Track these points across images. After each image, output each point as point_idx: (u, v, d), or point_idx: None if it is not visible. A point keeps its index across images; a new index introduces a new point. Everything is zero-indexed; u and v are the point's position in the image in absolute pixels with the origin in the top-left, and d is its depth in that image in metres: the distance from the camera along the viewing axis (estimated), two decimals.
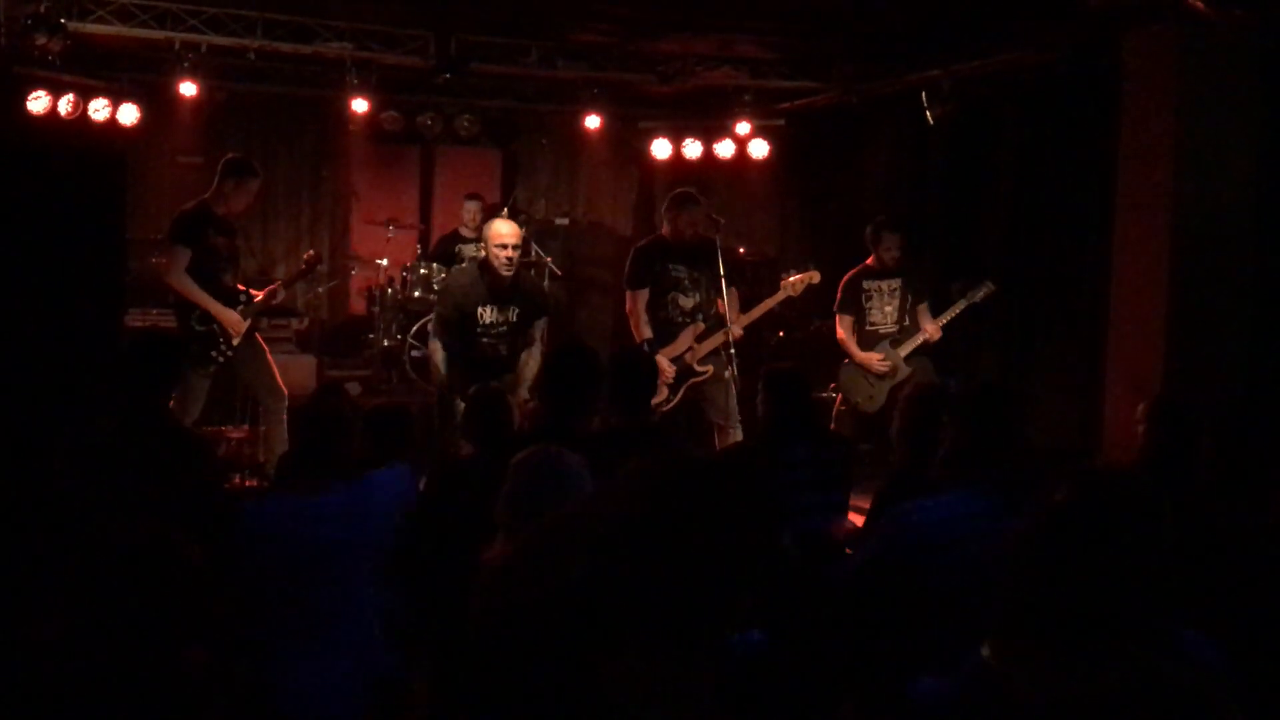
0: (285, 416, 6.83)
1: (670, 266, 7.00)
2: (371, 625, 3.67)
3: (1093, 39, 6.90)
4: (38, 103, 7.69)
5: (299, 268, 7.69)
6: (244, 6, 7.73)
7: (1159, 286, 6.35)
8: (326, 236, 11.27)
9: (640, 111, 10.17)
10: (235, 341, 6.81)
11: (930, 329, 7.43)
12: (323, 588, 3.55)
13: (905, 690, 2.45)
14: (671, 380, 6.94)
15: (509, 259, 6.34)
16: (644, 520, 2.19)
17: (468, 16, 8.06)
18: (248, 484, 7.12)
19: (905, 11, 7.53)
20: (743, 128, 9.54)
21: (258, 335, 7.05)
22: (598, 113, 9.35)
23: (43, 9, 7.08)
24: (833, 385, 7.86)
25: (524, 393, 6.41)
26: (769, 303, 7.20)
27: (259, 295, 6.99)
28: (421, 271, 9.73)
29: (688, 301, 7.02)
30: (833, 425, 7.55)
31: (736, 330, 6.78)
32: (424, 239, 11.09)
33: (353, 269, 10.86)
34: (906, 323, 7.53)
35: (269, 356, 7.05)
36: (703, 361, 6.97)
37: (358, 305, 11.18)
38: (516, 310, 6.49)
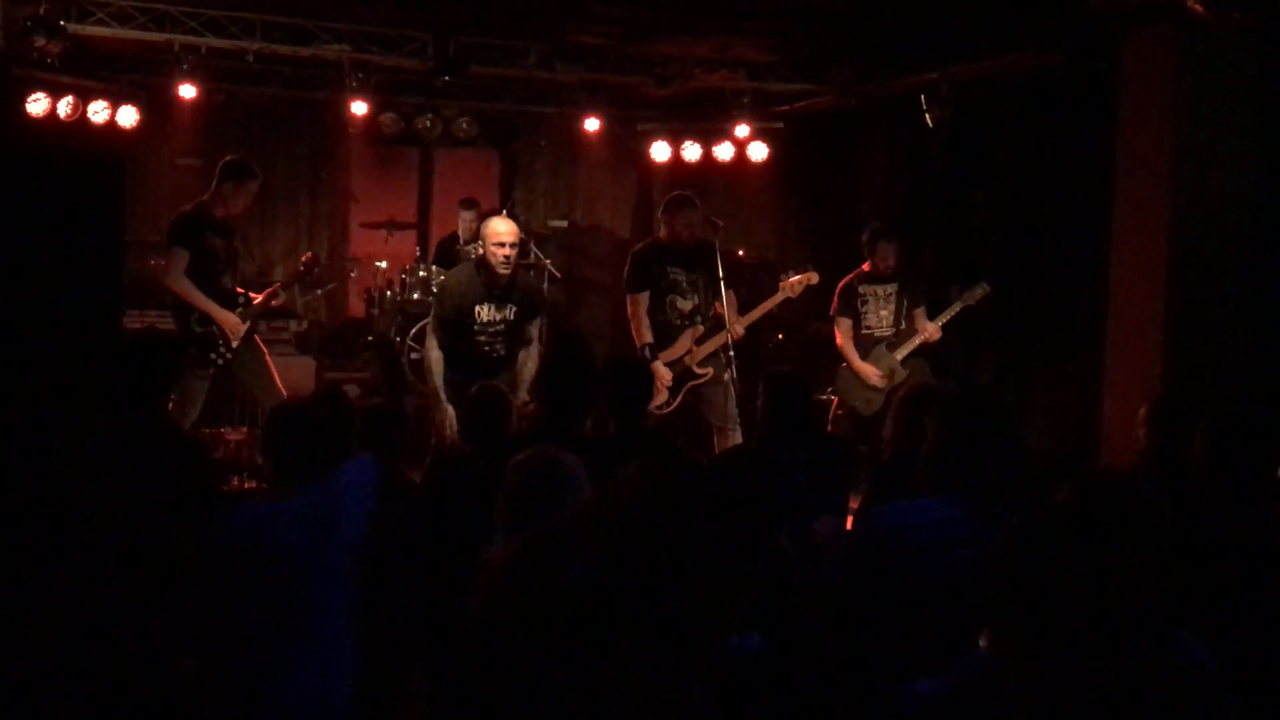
0: None
1: (668, 269, 7.00)
2: (350, 628, 3.66)
3: (1092, 42, 6.91)
4: (37, 105, 7.70)
5: (297, 270, 7.69)
6: (243, 9, 7.74)
7: (1158, 289, 6.35)
8: (325, 238, 11.27)
9: (639, 114, 10.18)
10: (234, 344, 6.80)
11: (930, 328, 7.42)
12: (300, 591, 3.54)
13: (900, 692, 2.45)
14: (670, 384, 6.94)
15: (506, 257, 6.34)
16: (643, 523, 2.19)
17: (466, 19, 8.07)
18: (246, 486, 7.12)
19: (904, 14, 7.54)
20: (741, 130, 9.55)
21: (257, 337, 7.04)
22: (596, 115, 9.35)
23: (42, 11, 7.08)
24: (830, 389, 7.86)
25: (523, 394, 6.40)
26: (768, 304, 7.20)
27: (258, 297, 6.98)
28: (420, 274, 9.73)
29: (686, 304, 7.02)
30: (830, 428, 7.55)
31: (738, 329, 6.78)
32: (423, 241, 11.09)
33: (351, 271, 10.86)
34: (903, 326, 7.53)
35: (268, 359, 7.04)
36: (702, 364, 6.97)
37: (356, 307, 11.18)
38: (514, 309, 6.48)
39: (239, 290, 6.98)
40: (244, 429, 7.72)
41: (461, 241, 9.93)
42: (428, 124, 9.83)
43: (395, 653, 3.77)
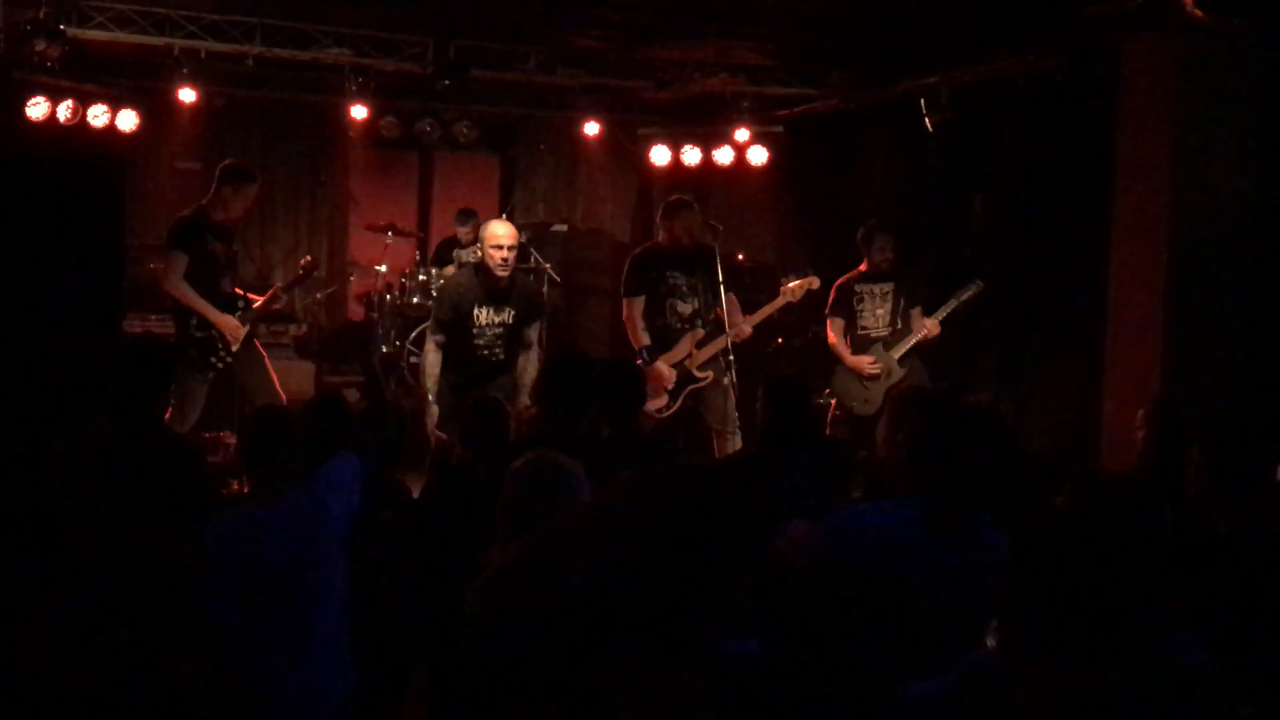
0: None
1: (667, 273, 6.99)
2: (345, 628, 3.67)
3: (1091, 46, 6.91)
4: (37, 109, 7.71)
5: (296, 274, 7.69)
6: (243, 13, 7.75)
7: (1157, 292, 6.36)
8: (325, 242, 11.28)
9: (639, 118, 10.18)
10: (234, 347, 6.80)
11: (928, 324, 7.41)
12: (290, 593, 3.55)
13: (898, 694, 2.45)
14: (672, 386, 6.94)
15: (504, 259, 6.33)
16: (642, 527, 2.19)
17: (466, 23, 8.08)
18: (244, 490, 7.11)
19: (904, 18, 7.54)
20: (741, 134, 9.55)
21: (256, 341, 7.04)
22: (596, 119, 9.36)
23: (42, 15, 7.08)
24: (827, 391, 7.86)
25: (524, 399, 6.39)
26: (769, 308, 7.20)
27: (257, 301, 6.98)
28: (420, 277, 9.73)
29: (685, 308, 7.02)
30: (829, 431, 7.55)
31: (745, 329, 6.79)
32: (422, 245, 11.09)
33: (351, 275, 10.86)
34: (899, 326, 7.53)
35: (267, 362, 7.04)
36: (702, 367, 6.96)
37: (356, 311, 11.19)
38: (512, 312, 6.48)
39: (238, 293, 6.98)
40: None
41: (461, 245, 9.95)
42: (428, 128, 9.84)
43: (394, 654, 3.78)
